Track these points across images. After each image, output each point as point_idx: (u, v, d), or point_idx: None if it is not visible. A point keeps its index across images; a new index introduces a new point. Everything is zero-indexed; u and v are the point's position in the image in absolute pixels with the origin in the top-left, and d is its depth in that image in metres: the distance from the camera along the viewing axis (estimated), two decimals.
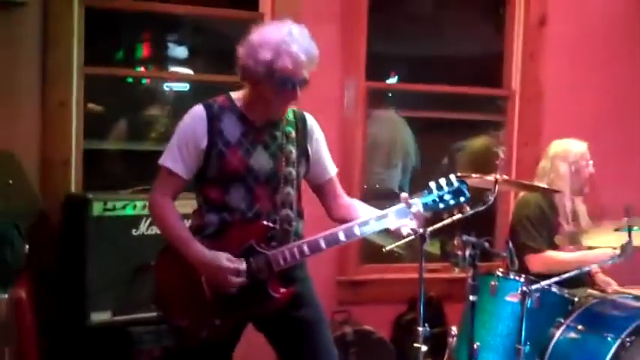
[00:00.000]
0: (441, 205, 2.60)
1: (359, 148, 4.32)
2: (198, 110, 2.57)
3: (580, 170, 3.75)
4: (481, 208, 3.28)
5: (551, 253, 3.63)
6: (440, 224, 3.37)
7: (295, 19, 3.92)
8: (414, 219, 2.58)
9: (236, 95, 2.64)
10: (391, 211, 2.59)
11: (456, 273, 4.21)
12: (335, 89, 4.22)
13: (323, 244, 2.56)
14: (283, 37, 2.47)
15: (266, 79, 2.48)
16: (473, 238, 3.11)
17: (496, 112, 4.77)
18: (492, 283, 3.36)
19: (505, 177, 3.34)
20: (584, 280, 3.74)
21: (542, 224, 3.68)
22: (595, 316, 3.24)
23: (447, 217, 2.68)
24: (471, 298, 3.00)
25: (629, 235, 3.12)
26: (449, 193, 2.60)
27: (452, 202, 2.60)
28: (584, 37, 4.61)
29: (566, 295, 3.33)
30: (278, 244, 2.56)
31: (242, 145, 2.56)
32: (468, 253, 3.10)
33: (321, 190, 2.76)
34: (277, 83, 2.48)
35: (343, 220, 2.68)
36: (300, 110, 2.71)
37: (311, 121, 2.72)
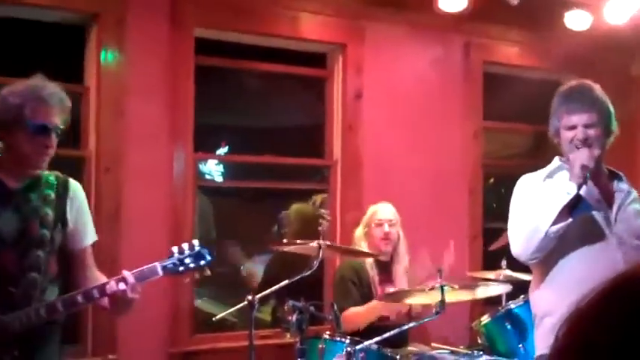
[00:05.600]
0: (181, 268, 2.69)
1: (189, 220, 4.34)
2: None
3: (370, 231, 4.00)
4: (306, 274, 3.46)
5: (348, 310, 3.81)
6: (268, 291, 3.50)
7: (121, 92, 4.08)
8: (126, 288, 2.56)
9: None
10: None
11: (288, 338, 4.33)
12: (163, 161, 4.26)
13: (60, 307, 2.51)
14: (32, 84, 2.53)
15: (17, 126, 2.48)
16: (299, 303, 3.25)
17: (321, 181, 5.00)
18: (320, 346, 3.47)
19: (327, 242, 3.52)
20: (406, 338, 3.97)
21: (353, 284, 3.89)
22: None
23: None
24: None
25: (442, 294, 3.38)
26: (189, 256, 2.69)
27: (192, 265, 2.70)
28: (397, 110, 4.97)
29: (389, 354, 3.51)
30: (19, 310, 2.47)
31: None
32: (294, 318, 3.24)
33: (73, 257, 2.70)
34: (30, 129, 2.48)
35: None
36: (64, 176, 2.71)
37: (74, 186, 2.71)
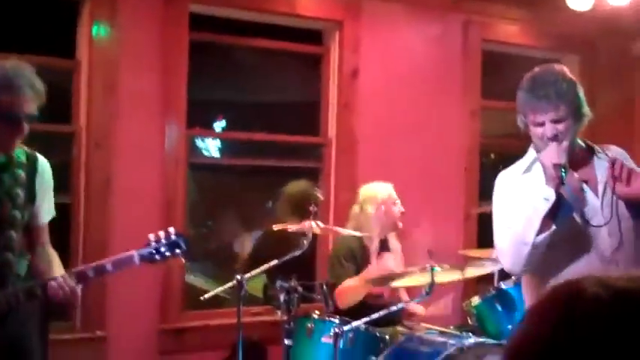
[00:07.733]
0: (157, 257, 2.72)
1: (180, 196, 4.32)
2: None
3: (389, 210, 3.97)
4: (297, 253, 3.45)
5: (341, 285, 3.75)
6: (257, 271, 3.49)
7: (113, 66, 4.03)
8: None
9: None
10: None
11: (279, 316, 4.34)
12: (155, 137, 4.23)
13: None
14: (5, 72, 2.50)
15: None
16: (287, 284, 3.24)
17: (315, 159, 4.95)
18: (308, 325, 3.47)
19: (318, 223, 3.50)
20: (395, 318, 3.95)
21: (349, 262, 3.86)
22: (404, 352, 3.42)
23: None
24: (286, 341, 3.11)
25: (432, 276, 3.36)
26: (165, 245, 2.72)
27: (167, 253, 2.74)
28: (394, 88, 4.92)
29: (377, 334, 3.50)
30: None
31: None
32: (282, 297, 3.23)
33: (30, 233, 2.73)
34: (1, 118, 2.47)
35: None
36: (32, 152, 2.72)
37: (42, 163, 2.73)
